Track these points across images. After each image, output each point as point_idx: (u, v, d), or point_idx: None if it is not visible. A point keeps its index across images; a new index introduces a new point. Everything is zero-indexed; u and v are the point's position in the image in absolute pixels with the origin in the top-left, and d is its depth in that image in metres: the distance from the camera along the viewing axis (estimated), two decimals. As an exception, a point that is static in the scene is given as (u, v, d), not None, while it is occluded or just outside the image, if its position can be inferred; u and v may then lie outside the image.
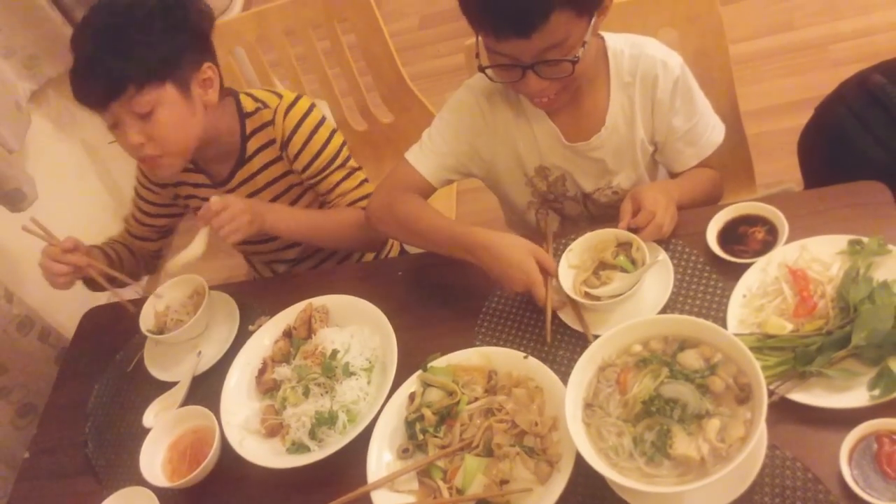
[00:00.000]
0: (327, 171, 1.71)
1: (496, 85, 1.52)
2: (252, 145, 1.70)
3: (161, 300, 1.68)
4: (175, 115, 1.53)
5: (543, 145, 1.58)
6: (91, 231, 2.79)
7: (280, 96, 1.69)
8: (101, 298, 1.92)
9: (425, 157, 1.58)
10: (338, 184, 1.73)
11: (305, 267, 1.94)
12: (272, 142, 1.70)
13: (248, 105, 1.69)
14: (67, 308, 2.13)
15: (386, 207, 1.57)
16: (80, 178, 2.83)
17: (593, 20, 1.34)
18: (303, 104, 1.68)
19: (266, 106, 1.68)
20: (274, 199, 1.76)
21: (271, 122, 1.67)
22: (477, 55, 1.41)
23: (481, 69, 1.41)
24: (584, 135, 1.55)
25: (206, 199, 1.57)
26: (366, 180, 1.77)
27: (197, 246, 1.60)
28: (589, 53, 1.38)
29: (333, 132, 1.71)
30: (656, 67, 1.48)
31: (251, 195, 1.75)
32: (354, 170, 1.74)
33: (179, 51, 1.52)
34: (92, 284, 1.73)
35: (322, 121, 1.69)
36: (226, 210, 1.54)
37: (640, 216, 1.41)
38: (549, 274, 1.40)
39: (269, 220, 1.64)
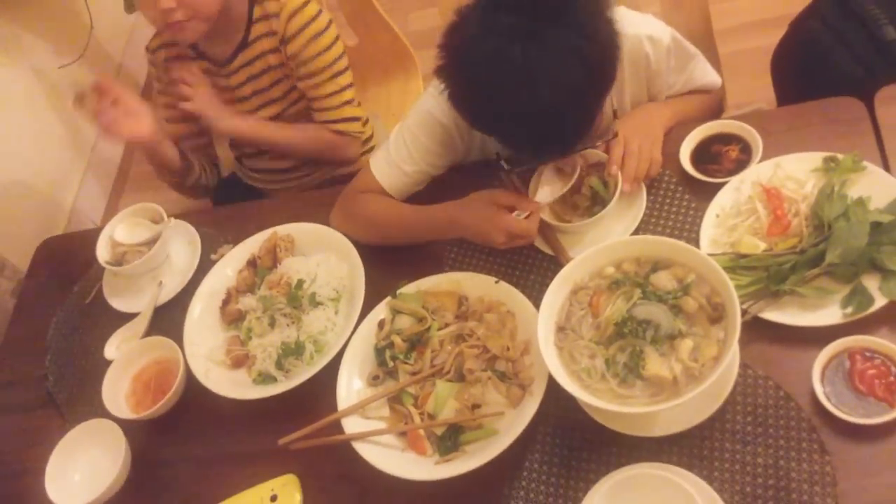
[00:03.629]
0: (317, 79, 1.70)
1: None
2: (256, 30, 1.69)
3: (119, 229, 1.62)
4: None
5: None
6: (43, 160, 2.71)
7: None
8: (57, 229, 1.85)
9: (392, 172, 1.46)
10: (323, 97, 1.73)
11: (299, 176, 1.94)
12: (274, 32, 1.68)
13: None
14: (22, 240, 2.06)
15: (349, 217, 1.51)
16: (29, 107, 2.71)
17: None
18: (311, 10, 1.66)
19: None
20: (272, 85, 1.77)
21: (276, 16, 1.66)
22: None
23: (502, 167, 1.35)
24: None
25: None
26: (349, 102, 1.75)
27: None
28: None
29: (335, 41, 1.69)
30: (643, 45, 1.37)
31: (250, 79, 1.75)
32: (344, 88, 1.73)
33: None
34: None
35: (326, 28, 1.67)
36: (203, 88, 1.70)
37: (626, 162, 1.34)
38: (515, 209, 1.32)
39: (225, 121, 1.74)
